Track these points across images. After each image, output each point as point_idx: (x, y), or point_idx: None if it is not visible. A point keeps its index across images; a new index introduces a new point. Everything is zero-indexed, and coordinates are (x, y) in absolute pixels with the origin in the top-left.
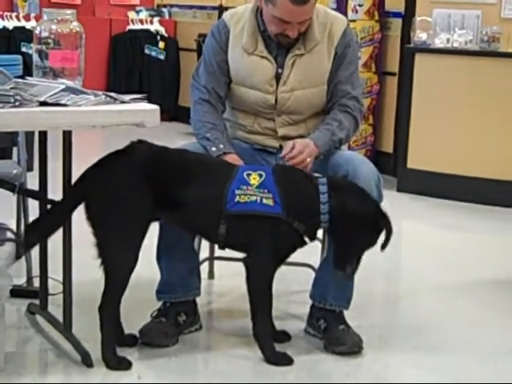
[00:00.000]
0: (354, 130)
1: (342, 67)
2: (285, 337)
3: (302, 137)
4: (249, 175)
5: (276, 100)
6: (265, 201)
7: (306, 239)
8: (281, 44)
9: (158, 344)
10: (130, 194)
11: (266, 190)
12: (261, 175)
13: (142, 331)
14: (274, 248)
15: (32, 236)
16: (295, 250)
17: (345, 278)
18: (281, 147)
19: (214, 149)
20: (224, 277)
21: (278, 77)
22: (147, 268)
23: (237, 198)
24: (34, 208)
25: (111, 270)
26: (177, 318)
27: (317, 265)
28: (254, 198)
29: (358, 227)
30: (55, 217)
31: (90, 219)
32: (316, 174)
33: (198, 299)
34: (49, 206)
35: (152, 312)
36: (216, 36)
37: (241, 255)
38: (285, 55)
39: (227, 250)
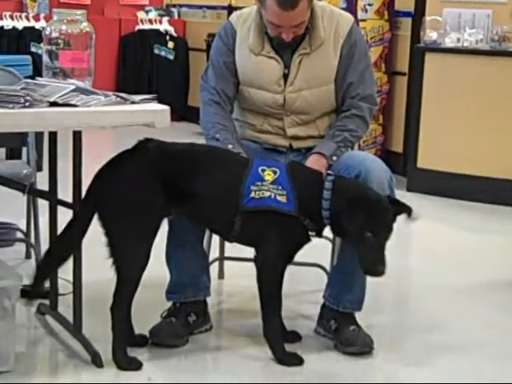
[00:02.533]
0: (365, 131)
1: (352, 67)
2: (295, 337)
3: (312, 137)
4: (263, 171)
5: (284, 100)
6: (278, 197)
7: (312, 236)
8: (285, 44)
9: (168, 344)
10: (142, 192)
11: (280, 187)
12: (275, 172)
13: (153, 331)
14: (284, 245)
15: (59, 251)
16: (302, 247)
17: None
18: (291, 146)
19: None
20: (234, 277)
21: (285, 77)
22: (157, 268)
23: (252, 194)
24: (43, 208)
25: (123, 269)
26: (187, 318)
27: (326, 264)
28: (268, 193)
29: (365, 220)
30: (79, 224)
31: (102, 219)
32: (329, 172)
33: (208, 299)
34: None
35: (162, 312)
36: (223, 37)
37: (250, 255)
38: (291, 55)
39: (238, 249)
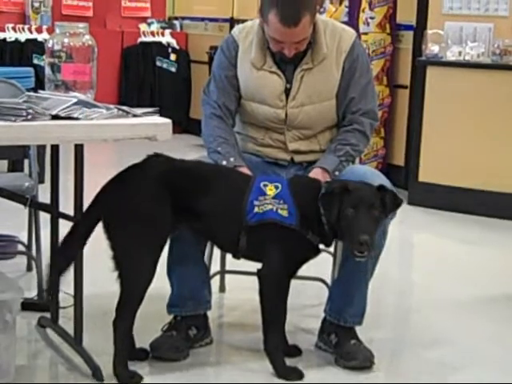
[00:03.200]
0: (366, 146)
1: (353, 82)
2: (296, 351)
3: (313, 152)
4: (265, 186)
5: (286, 115)
6: (280, 211)
7: (321, 247)
8: (287, 59)
9: (168, 358)
10: (149, 207)
11: (281, 201)
12: (277, 187)
13: (153, 345)
14: (287, 259)
15: (60, 260)
16: (308, 260)
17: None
18: (292, 160)
19: (224, 162)
20: (235, 290)
21: (287, 92)
22: (159, 281)
23: (255, 209)
24: (45, 220)
25: (128, 283)
26: (188, 332)
27: (327, 278)
28: (269, 206)
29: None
30: (80, 233)
31: (108, 232)
32: (328, 180)
33: (209, 313)
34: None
35: (163, 326)
36: (225, 51)
37: (252, 269)
38: (293, 70)
39: (238, 263)
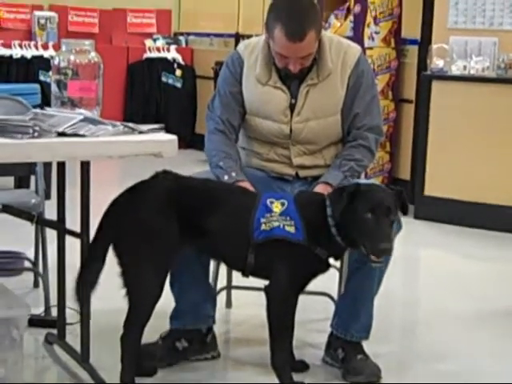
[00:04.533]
0: (371, 161)
1: (358, 97)
2: (303, 366)
3: (318, 167)
4: (272, 203)
5: (291, 130)
6: (287, 228)
7: (331, 262)
8: (292, 75)
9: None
10: (158, 224)
11: (288, 218)
12: (283, 203)
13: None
14: (295, 275)
15: (90, 277)
16: (317, 276)
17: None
18: (297, 175)
19: (226, 177)
20: (241, 306)
21: (291, 107)
22: (166, 294)
23: (262, 227)
24: (52, 237)
25: (136, 300)
26: (175, 344)
27: (334, 293)
28: (276, 223)
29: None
30: (97, 253)
31: (117, 248)
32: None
33: (215, 328)
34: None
35: (162, 333)
36: (230, 67)
37: (258, 284)
38: (298, 85)
39: (244, 279)
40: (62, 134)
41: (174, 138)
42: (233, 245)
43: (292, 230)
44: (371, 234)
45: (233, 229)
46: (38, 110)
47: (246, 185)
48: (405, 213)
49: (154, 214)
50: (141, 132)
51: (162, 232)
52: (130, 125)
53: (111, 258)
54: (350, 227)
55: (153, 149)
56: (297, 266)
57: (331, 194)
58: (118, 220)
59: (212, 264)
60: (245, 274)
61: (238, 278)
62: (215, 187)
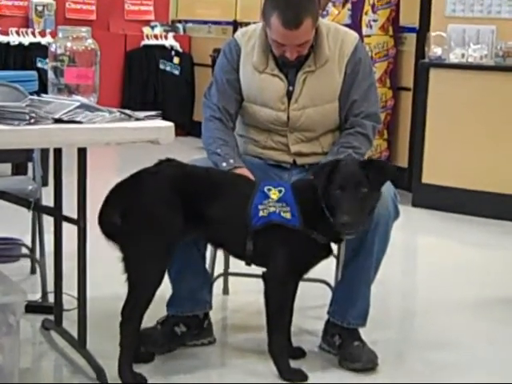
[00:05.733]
0: (368, 149)
1: (356, 84)
2: (300, 353)
3: (316, 154)
4: (269, 190)
5: (288, 117)
6: (283, 214)
7: (332, 246)
8: (289, 62)
9: (146, 350)
10: (161, 211)
11: (284, 204)
12: (280, 191)
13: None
14: (293, 261)
15: None
16: (318, 261)
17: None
18: (294, 162)
19: (224, 164)
20: (238, 292)
21: (289, 94)
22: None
23: (260, 213)
24: (49, 223)
25: (136, 286)
26: (173, 329)
27: (331, 280)
28: (272, 209)
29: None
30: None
31: (119, 234)
32: None
33: (212, 315)
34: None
35: (159, 318)
36: (227, 55)
37: (255, 271)
38: (295, 73)
39: (242, 265)
40: (58, 121)
41: (170, 124)
42: (232, 232)
43: (288, 215)
44: (335, 209)
45: (232, 216)
46: (34, 97)
47: (244, 171)
48: (393, 180)
49: (157, 200)
50: (137, 119)
51: (165, 219)
52: (127, 111)
53: (109, 243)
54: (329, 205)
55: (150, 135)
56: (294, 251)
57: (313, 174)
58: (120, 205)
59: (209, 250)
60: (246, 262)
61: (235, 264)
62: (217, 175)
